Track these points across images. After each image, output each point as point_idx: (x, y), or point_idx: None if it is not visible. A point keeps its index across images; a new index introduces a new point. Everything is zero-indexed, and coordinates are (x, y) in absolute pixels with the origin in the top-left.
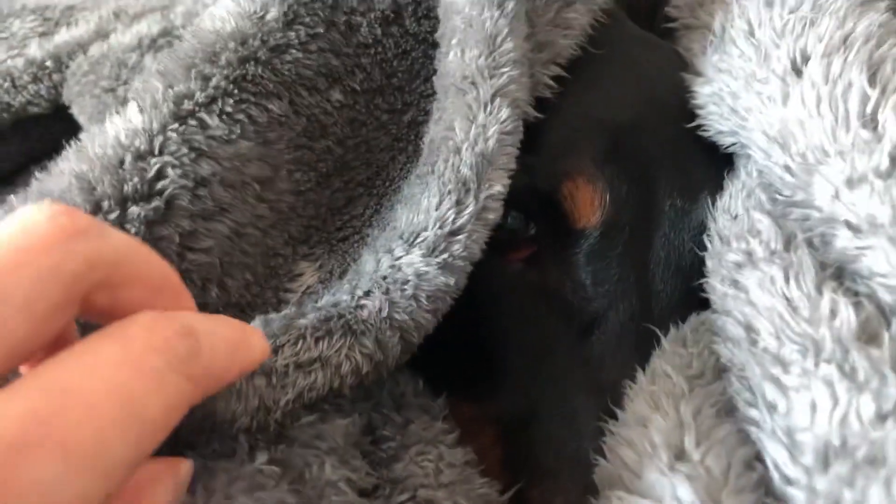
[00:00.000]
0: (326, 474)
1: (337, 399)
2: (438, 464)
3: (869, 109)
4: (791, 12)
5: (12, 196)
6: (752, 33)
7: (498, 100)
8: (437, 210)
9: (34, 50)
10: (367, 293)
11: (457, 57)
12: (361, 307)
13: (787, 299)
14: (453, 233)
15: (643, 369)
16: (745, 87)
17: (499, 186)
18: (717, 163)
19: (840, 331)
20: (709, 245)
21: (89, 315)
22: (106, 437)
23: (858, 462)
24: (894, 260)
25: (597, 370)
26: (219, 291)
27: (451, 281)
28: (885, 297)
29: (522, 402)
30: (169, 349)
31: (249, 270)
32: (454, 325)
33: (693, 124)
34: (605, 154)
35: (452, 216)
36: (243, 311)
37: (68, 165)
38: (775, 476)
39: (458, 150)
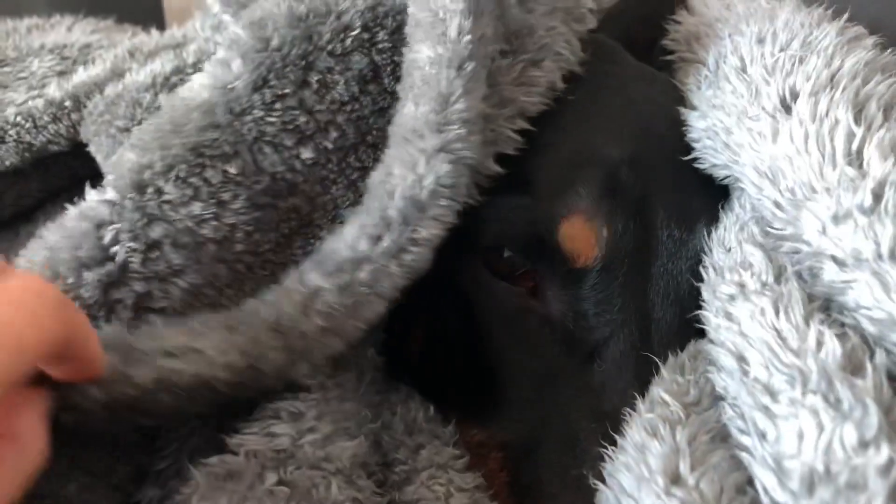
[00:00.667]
0: (333, 495)
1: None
2: (449, 487)
3: (854, 147)
4: (782, 50)
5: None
6: (744, 70)
7: (441, 154)
8: (352, 239)
9: (53, 90)
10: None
11: (411, 110)
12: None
13: (777, 331)
14: (360, 261)
15: (643, 396)
16: (737, 123)
17: (425, 233)
18: (715, 193)
19: (826, 362)
20: (705, 276)
21: None
22: None
23: (841, 487)
24: (878, 293)
25: (598, 398)
26: None
27: (349, 302)
28: (870, 328)
29: (528, 429)
30: (45, 295)
31: None
32: (463, 353)
33: (689, 157)
34: (601, 191)
35: (365, 247)
36: None
37: (47, 234)
38: (765, 501)
39: (391, 194)
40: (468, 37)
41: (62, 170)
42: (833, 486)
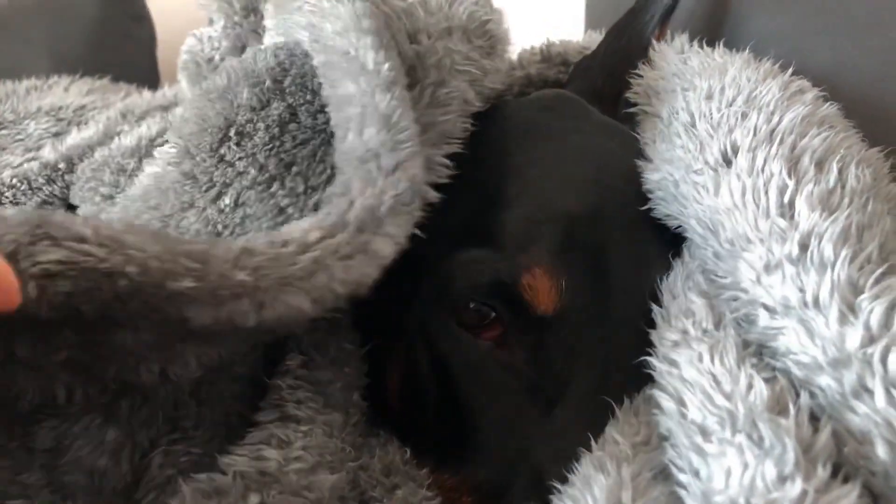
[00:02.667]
0: None
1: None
2: None
3: (787, 199)
4: (728, 105)
5: None
6: (693, 125)
7: (399, 171)
8: (304, 228)
9: (48, 152)
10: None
11: (356, 137)
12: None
13: (713, 375)
14: (305, 246)
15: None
16: (684, 177)
17: (380, 244)
18: (669, 242)
19: (754, 404)
20: (656, 322)
21: None
22: None
23: None
24: (804, 340)
25: (559, 441)
26: None
27: (274, 274)
28: (797, 372)
29: (497, 473)
30: None
31: None
32: (435, 401)
33: (645, 208)
34: (561, 245)
35: (315, 238)
36: None
37: None
38: None
39: (351, 203)
40: (386, 65)
41: None
42: None
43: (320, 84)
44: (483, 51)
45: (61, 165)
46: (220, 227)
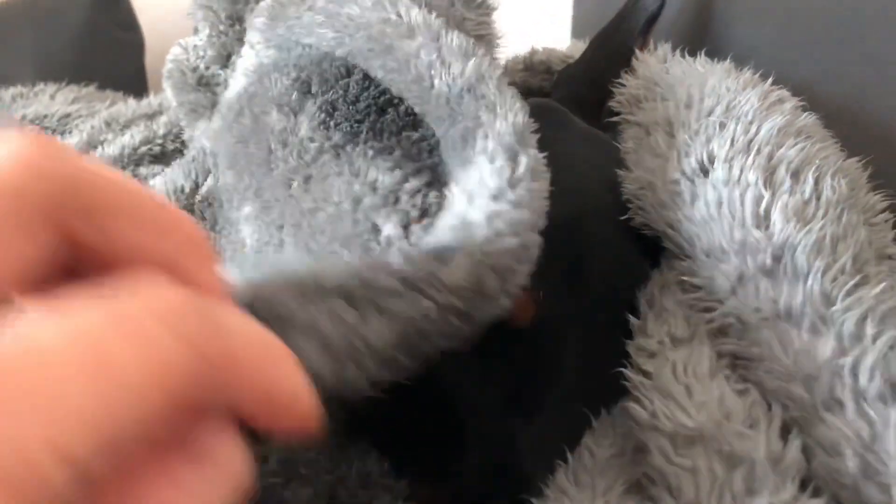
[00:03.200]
0: None
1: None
2: None
3: (762, 210)
4: (707, 115)
5: None
6: (671, 134)
7: (502, 86)
8: (491, 165)
9: None
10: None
11: (443, 80)
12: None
13: (686, 386)
14: (514, 183)
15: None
16: (661, 186)
17: (539, 154)
18: (651, 252)
19: (724, 416)
20: (633, 332)
21: (86, 258)
22: (65, 390)
23: None
24: (777, 351)
25: (537, 452)
26: None
27: (526, 214)
28: (769, 384)
29: (474, 484)
30: (172, 318)
31: None
32: (414, 413)
33: (624, 217)
34: (539, 255)
35: (508, 170)
36: None
37: None
38: None
39: (492, 127)
40: (433, 15)
41: None
42: None
43: (347, 82)
44: (487, 16)
45: None
46: (297, 213)
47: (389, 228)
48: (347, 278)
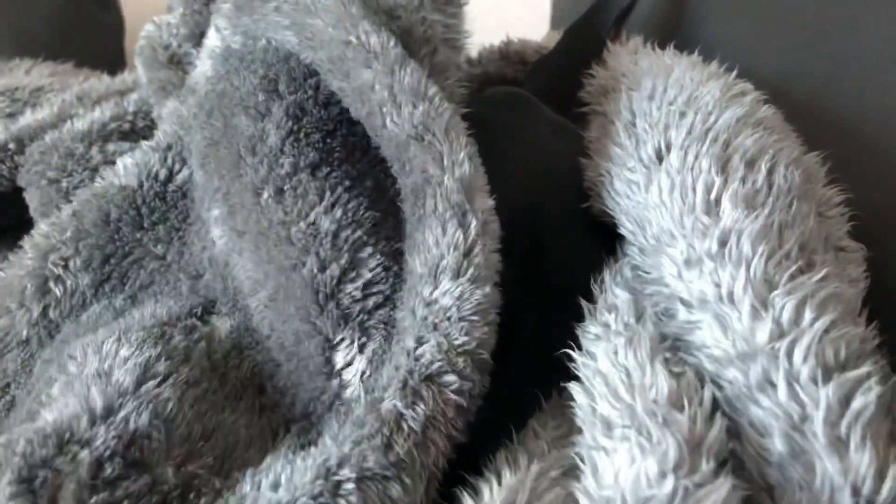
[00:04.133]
0: None
1: None
2: None
3: (713, 196)
4: (669, 104)
5: None
6: (633, 123)
7: (451, 132)
8: (444, 237)
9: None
10: (420, 340)
11: (393, 121)
12: (420, 356)
13: (625, 368)
14: (468, 251)
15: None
16: (619, 174)
17: (488, 201)
18: (608, 238)
19: (655, 398)
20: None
21: None
22: None
23: None
24: (717, 334)
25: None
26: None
27: (487, 290)
28: (708, 366)
29: None
30: None
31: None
32: None
33: (585, 205)
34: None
35: (461, 236)
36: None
37: None
38: None
39: (440, 183)
40: (391, 43)
41: (6, 209)
42: None
43: (317, 81)
44: (455, 16)
45: (11, 146)
46: (264, 222)
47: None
48: None
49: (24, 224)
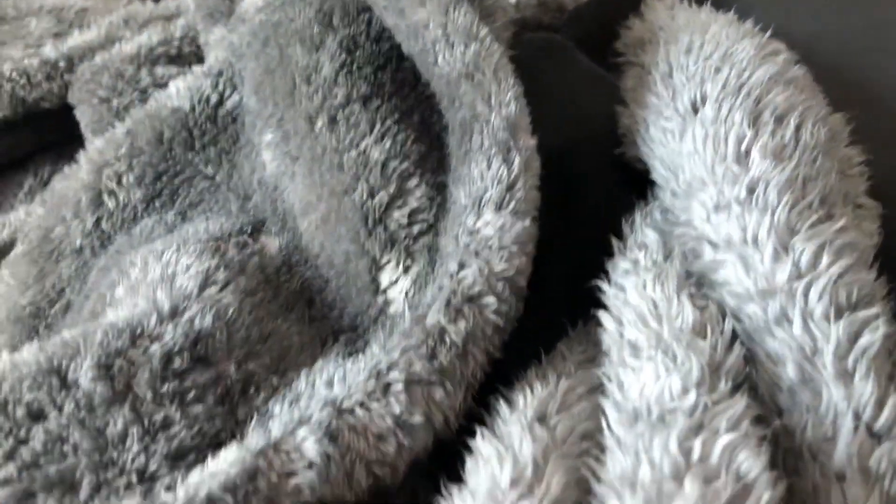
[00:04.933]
0: None
1: None
2: None
3: (743, 148)
4: (705, 59)
5: None
6: (670, 75)
7: (500, 72)
8: (489, 171)
9: (49, 50)
10: (462, 265)
11: (445, 59)
12: (462, 279)
13: (652, 300)
14: (511, 186)
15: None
16: (654, 122)
17: (532, 140)
18: (638, 182)
19: (680, 326)
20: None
21: None
22: None
23: (654, 423)
24: (740, 273)
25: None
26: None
27: (527, 223)
28: (730, 302)
29: None
30: None
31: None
32: None
33: (619, 150)
34: None
35: (505, 172)
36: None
37: None
38: (608, 435)
39: (487, 121)
40: None
41: (54, 125)
42: (648, 420)
43: (369, 16)
44: None
45: (62, 64)
46: (318, 149)
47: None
48: None
49: (75, 139)
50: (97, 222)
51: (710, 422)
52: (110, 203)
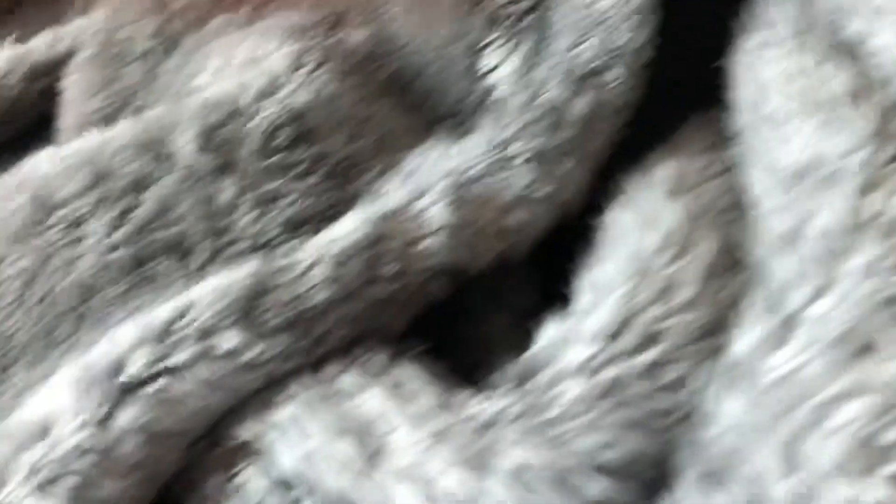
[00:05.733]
0: None
1: None
2: None
3: None
4: None
5: None
6: None
7: None
8: None
9: None
10: (579, 40)
11: None
12: (580, 54)
13: (800, 65)
14: None
15: None
16: None
17: None
18: None
19: (835, 89)
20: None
21: None
22: None
23: (819, 182)
24: (892, 38)
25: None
26: None
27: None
28: (882, 71)
29: None
30: None
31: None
32: None
33: None
34: None
35: None
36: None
37: None
38: (751, 198)
39: None
40: None
41: None
42: (813, 178)
43: None
44: None
45: None
46: None
47: None
48: None
49: None
50: (163, 24)
51: (883, 181)
52: (175, 4)
